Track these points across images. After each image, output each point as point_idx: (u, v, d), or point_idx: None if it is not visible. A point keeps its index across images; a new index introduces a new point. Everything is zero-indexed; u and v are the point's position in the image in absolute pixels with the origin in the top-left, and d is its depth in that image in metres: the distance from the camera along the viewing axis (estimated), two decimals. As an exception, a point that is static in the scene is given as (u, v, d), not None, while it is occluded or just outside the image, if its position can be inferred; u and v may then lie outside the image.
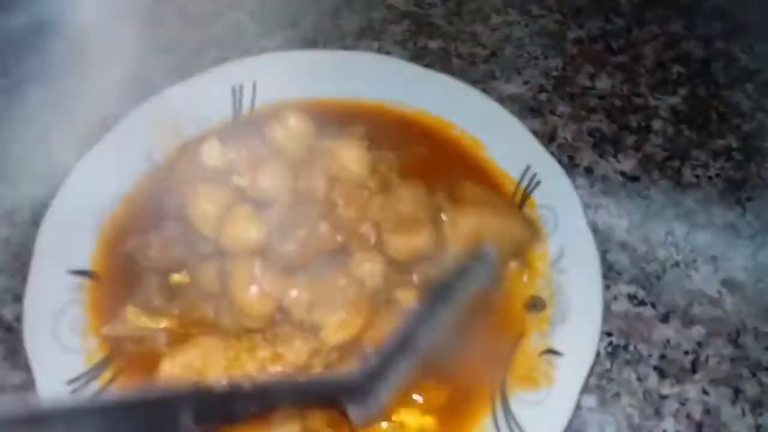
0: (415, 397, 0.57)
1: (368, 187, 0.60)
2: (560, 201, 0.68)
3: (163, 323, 0.57)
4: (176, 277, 0.58)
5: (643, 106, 0.85)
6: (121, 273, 0.60)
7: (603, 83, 0.88)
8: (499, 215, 0.64)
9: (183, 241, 0.55)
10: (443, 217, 0.61)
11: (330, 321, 0.53)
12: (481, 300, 0.58)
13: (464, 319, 0.57)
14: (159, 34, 0.88)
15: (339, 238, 0.57)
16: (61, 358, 0.56)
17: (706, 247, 0.73)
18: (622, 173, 0.79)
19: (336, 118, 0.68)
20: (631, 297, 0.69)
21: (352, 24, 0.92)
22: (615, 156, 0.80)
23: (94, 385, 0.55)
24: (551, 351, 0.59)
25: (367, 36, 0.91)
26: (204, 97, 0.72)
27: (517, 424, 0.55)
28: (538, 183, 0.69)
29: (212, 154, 0.54)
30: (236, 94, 0.74)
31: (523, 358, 0.60)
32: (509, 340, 0.61)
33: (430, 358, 0.53)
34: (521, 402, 0.57)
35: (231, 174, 0.54)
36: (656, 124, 0.84)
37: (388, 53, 0.88)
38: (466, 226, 0.61)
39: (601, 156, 0.80)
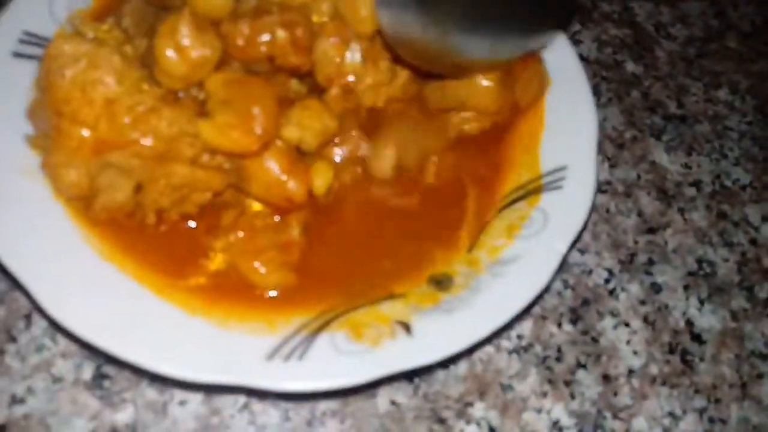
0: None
1: (374, 39, 0.53)
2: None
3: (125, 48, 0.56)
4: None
5: None
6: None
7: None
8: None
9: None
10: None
11: (220, 118, 0.49)
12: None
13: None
14: None
15: (298, 60, 0.52)
16: (41, 14, 0.59)
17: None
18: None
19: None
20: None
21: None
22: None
23: (41, 51, 0.57)
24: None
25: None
26: None
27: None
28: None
29: None
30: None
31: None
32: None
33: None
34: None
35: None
36: None
37: None
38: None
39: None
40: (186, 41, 0.47)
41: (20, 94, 0.55)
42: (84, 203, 0.52)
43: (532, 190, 0.57)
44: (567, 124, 0.60)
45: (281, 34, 0.50)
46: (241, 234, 0.52)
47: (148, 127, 0.48)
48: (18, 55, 0.57)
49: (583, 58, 0.78)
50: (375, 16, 0.52)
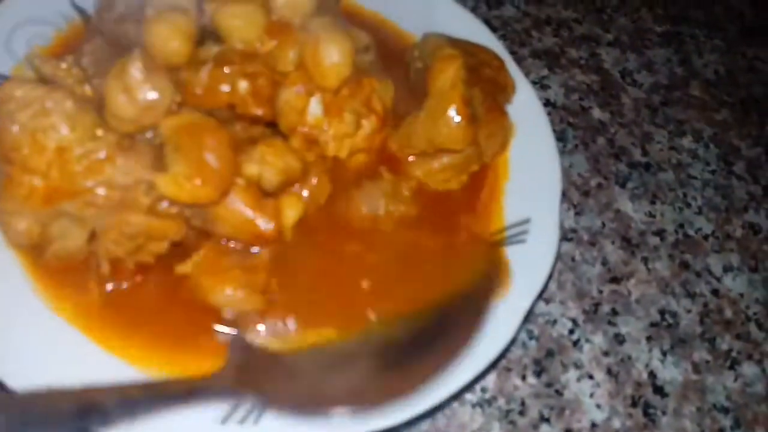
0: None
1: (338, 91, 0.53)
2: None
3: (83, 92, 0.55)
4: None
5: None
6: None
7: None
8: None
9: (138, 23, 0.53)
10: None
11: (175, 169, 0.47)
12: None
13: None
14: None
15: (259, 111, 0.51)
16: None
17: None
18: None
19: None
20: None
21: None
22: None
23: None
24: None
25: None
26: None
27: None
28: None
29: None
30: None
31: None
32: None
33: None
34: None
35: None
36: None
37: None
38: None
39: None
40: (135, 83, 0.46)
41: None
42: (35, 252, 0.50)
43: (496, 243, 0.56)
44: (531, 175, 0.60)
45: (242, 84, 0.49)
46: (202, 253, 0.50)
47: (102, 176, 0.46)
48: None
49: (550, 104, 0.79)
50: (339, 69, 0.51)
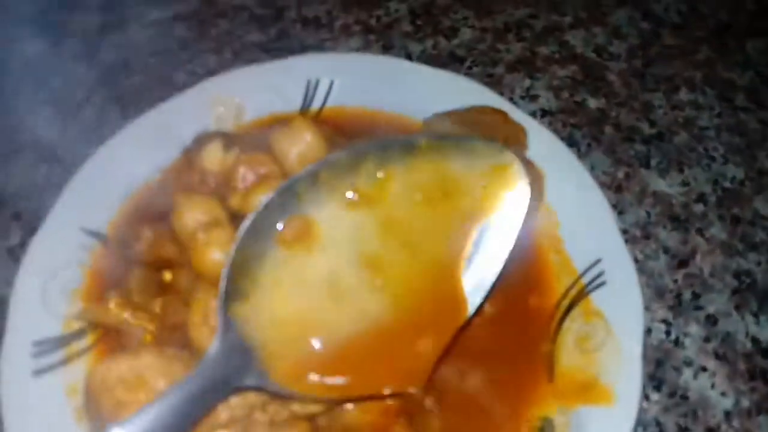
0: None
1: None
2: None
3: (142, 321, 0.55)
4: (167, 276, 0.56)
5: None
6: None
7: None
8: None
9: (173, 242, 0.53)
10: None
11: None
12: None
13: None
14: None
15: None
16: (39, 316, 0.56)
17: None
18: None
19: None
20: None
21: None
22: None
23: (60, 354, 0.55)
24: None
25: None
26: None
27: None
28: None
29: (213, 158, 0.50)
30: (310, 88, 0.69)
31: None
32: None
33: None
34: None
35: (227, 185, 0.50)
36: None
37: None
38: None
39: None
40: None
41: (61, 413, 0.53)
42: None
43: (578, 295, 0.57)
44: (578, 213, 0.61)
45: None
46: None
47: (217, 419, 0.47)
48: (39, 372, 0.54)
49: (547, 113, 0.79)
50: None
